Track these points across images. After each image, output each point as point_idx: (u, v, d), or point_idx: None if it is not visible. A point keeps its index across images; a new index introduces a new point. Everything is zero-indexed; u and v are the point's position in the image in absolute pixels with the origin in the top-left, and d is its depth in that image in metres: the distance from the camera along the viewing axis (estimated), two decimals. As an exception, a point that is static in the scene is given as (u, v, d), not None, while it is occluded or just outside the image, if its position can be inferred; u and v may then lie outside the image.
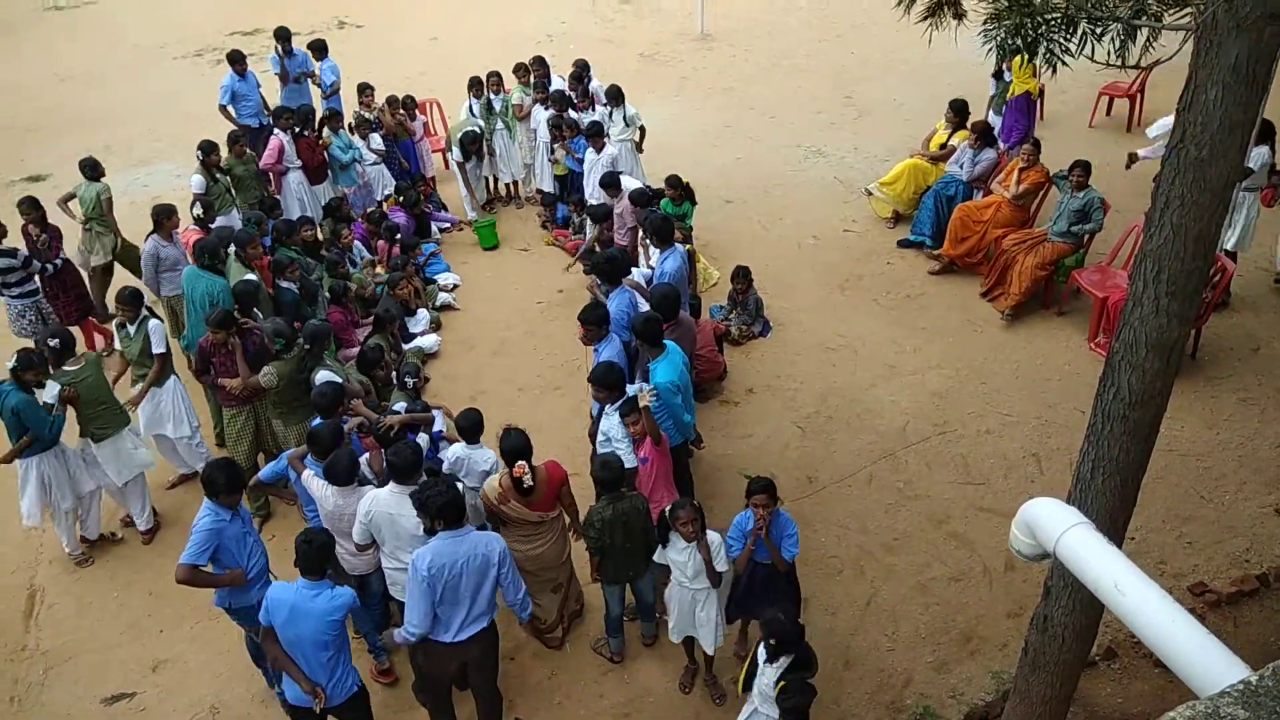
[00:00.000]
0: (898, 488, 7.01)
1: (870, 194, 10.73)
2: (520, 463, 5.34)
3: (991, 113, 10.71)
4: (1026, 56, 4.60)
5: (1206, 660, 2.47)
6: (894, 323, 8.93)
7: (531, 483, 5.35)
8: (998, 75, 10.65)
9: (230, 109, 11.17)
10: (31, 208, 8.42)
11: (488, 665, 5.28)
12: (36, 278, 8.39)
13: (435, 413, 7.40)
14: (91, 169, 9.11)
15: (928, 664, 5.79)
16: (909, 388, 8.06)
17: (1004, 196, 9.25)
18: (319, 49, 11.81)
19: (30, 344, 7.19)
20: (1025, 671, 4.97)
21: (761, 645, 4.81)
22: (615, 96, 10.50)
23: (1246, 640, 5.75)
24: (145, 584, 6.65)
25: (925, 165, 10.28)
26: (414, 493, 4.90)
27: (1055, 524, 3.05)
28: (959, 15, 5.19)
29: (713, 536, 5.29)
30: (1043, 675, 4.90)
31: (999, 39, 4.60)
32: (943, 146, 10.22)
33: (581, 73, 11.17)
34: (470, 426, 5.99)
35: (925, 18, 5.26)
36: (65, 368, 6.49)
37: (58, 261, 8.54)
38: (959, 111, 10.19)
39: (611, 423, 5.87)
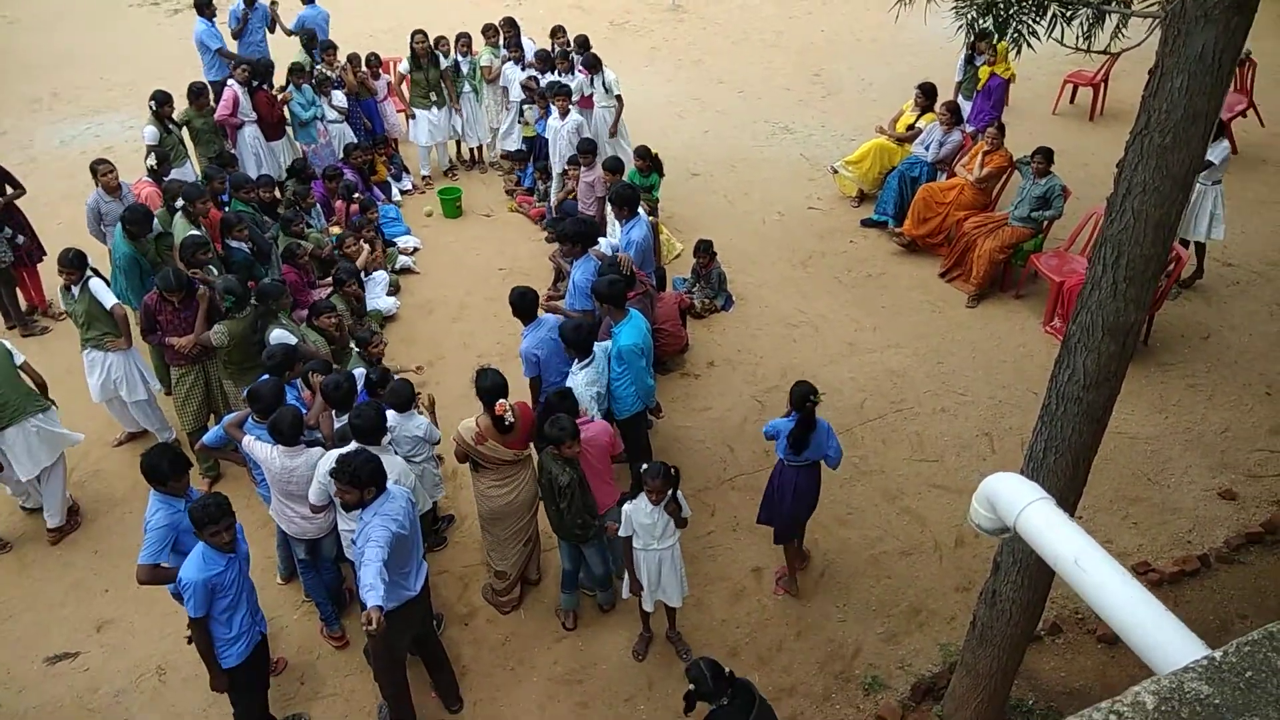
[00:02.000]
0: (853, 463, 7.08)
1: (835, 172, 10.75)
2: (501, 400, 5.34)
3: (960, 97, 10.76)
4: (1016, 49, 4.60)
5: (1165, 637, 2.51)
6: (855, 301, 8.99)
7: (514, 419, 5.36)
8: (969, 60, 10.68)
9: (224, 52, 10.91)
10: None
11: (430, 614, 5.36)
12: None
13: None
14: None
15: (877, 635, 5.88)
16: (868, 365, 8.13)
17: (967, 179, 9.33)
18: None
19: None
20: (973, 644, 5.08)
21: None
22: (593, 65, 10.37)
23: (1187, 619, 5.90)
24: (90, 543, 6.51)
25: (891, 146, 10.32)
26: (336, 470, 4.61)
27: (1017, 499, 3.08)
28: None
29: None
30: (989, 649, 5.01)
31: (970, 18, 4.61)
32: (910, 128, 10.26)
33: (560, 31, 11.00)
34: (401, 399, 5.84)
35: (894, -6, 5.24)
36: (5, 343, 6.21)
37: None
38: (928, 94, 10.22)
39: (577, 381, 5.85)
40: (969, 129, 10.09)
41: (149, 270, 7.26)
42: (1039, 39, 4.51)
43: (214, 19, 10.94)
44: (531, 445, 5.79)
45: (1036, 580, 4.79)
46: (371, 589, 4.30)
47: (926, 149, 9.85)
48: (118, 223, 7.30)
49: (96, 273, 6.95)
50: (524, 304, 6.38)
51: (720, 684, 4.24)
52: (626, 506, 5.32)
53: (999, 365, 8.13)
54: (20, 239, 8.23)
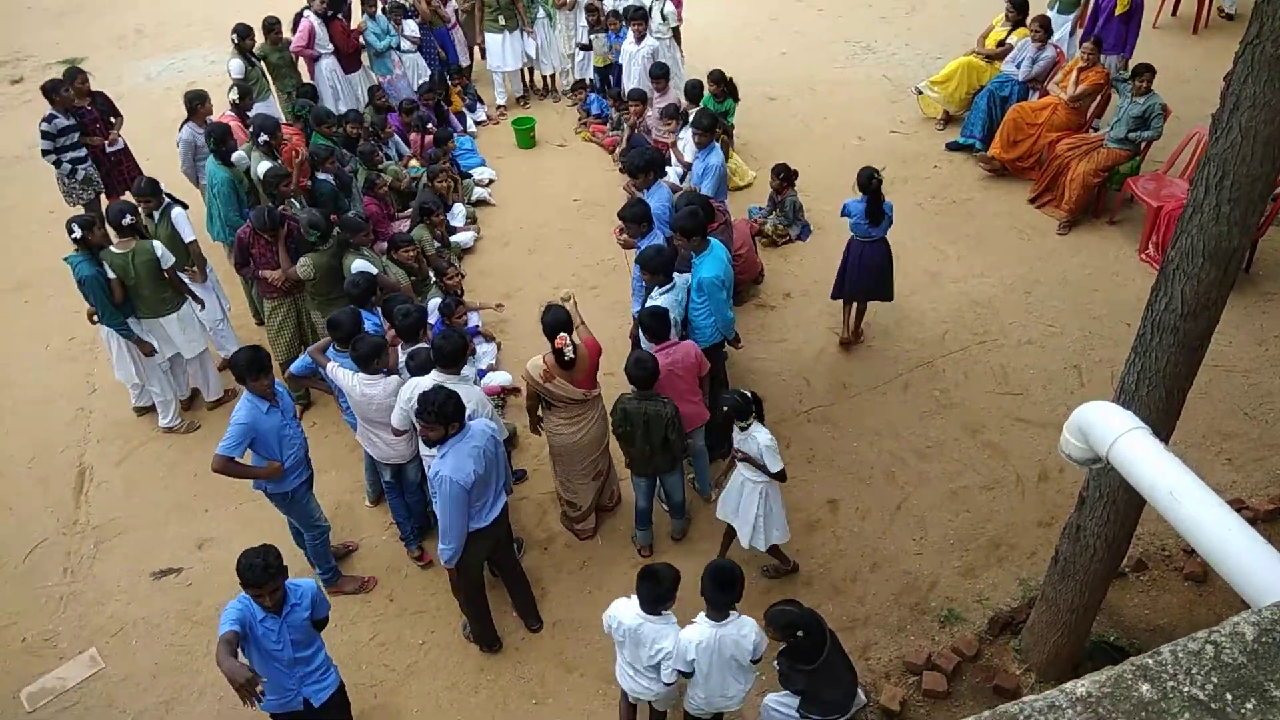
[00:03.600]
0: (934, 396, 6.95)
1: (920, 93, 10.34)
2: (562, 334, 5.37)
3: (1054, 10, 10.15)
4: None
5: (1264, 570, 2.41)
6: (938, 229, 8.72)
7: (573, 355, 5.39)
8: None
9: None
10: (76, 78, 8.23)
11: (509, 538, 5.47)
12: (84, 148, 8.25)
13: (471, 313, 7.43)
14: None
15: (955, 569, 5.84)
16: (951, 295, 7.92)
17: (1060, 98, 8.87)
18: None
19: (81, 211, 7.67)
20: (1054, 579, 5.00)
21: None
22: None
23: (1280, 557, 5.73)
24: (191, 466, 6.82)
25: (980, 64, 9.86)
26: (420, 410, 4.70)
27: (1111, 428, 2.96)
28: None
29: (763, 436, 5.23)
30: (1071, 584, 4.93)
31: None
32: (1000, 44, 9.76)
33: None
34: (452, 350, 5.86)
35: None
36: (114, 248, 6.45)
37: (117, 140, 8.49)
38: (1019, 7, 9.68)
39: (669, 300, 5.83)
40: (1113, 58, 9.50)
41: (244, 200, 7.44)
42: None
43: None
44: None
45: (1124, 515, 4.67)
46: (446, 551, 4.84)
47: (1018, 67, 9.37)
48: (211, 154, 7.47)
49: (179, 202, 7.14)
50: (647, 164, 6.68)
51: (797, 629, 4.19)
52: (764, 437, 5.23)
53: (1090, 295, 7.83)
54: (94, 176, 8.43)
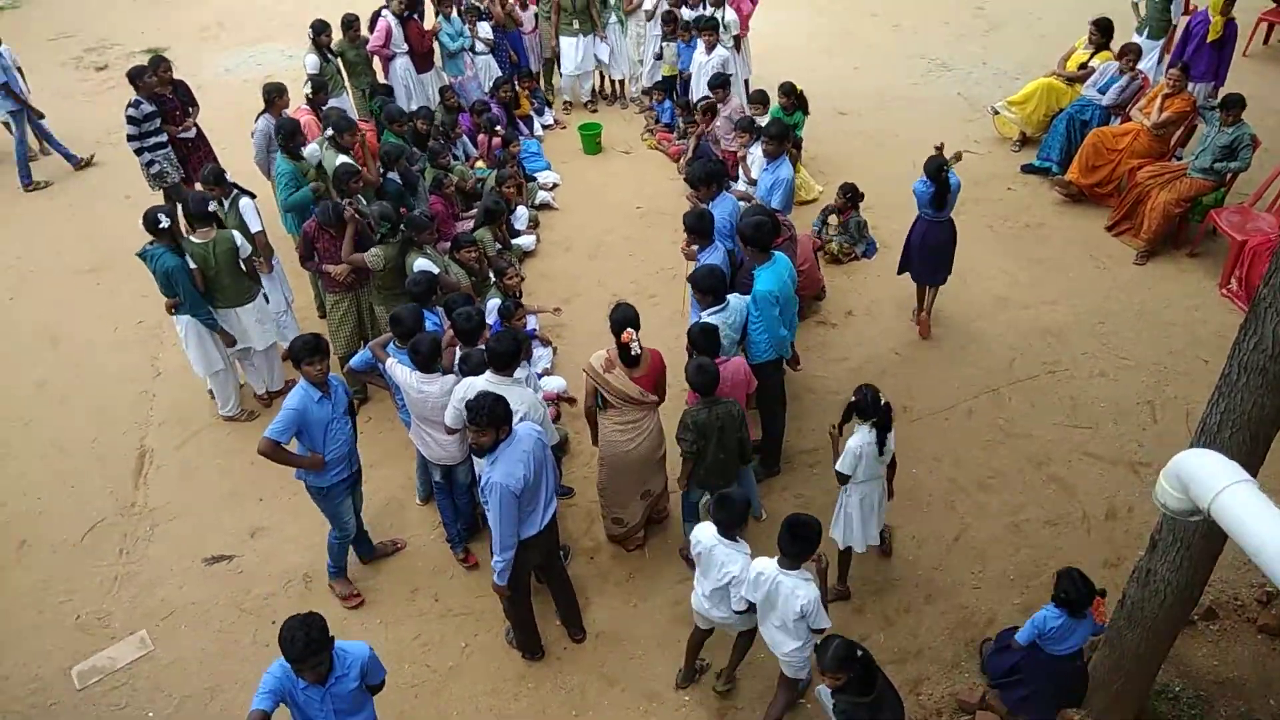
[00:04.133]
0: (999, 425, 6.75)
1: (996, 113, 10.12)
2: (628, 330, 5.33)
3: (1143, 36, 9.85)
4: None
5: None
6: (1010, 252, 8.49)
7: (639, 350, 5.34)
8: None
9: None
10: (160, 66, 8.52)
11: (557, 545, 5.41)
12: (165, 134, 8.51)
13: (530, 316, 7.41)
14: None
15: (1014, 605, 5.63)
16: (1020, 322, 7.69)
17: (1144, 124, 8.59)
18: None
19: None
20: (1120, 624, 4.80)
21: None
22: None
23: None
24: (248, 454, 6.85)
25: (1060, 86, 9.61)
26: (471, 416, 4.62)
27: (1215, 479, 2.77)
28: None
29: (853, 440, 5.22)
30: (1138, 630, 4.72)
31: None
32: (1082, 67, 9.50)
33: None
34: (506, 351, 5.81)
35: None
36: (194, 239, 6.54)
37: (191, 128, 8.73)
38: (1103, 30, 9.42)
39: (719, 320, 5.74)
40: (1201, 85, 9.22)
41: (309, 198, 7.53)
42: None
43: None
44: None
45: (1198, 562, 4.46)
46: (499, 564, 4.81)
47: (1100, 91, 9.09)
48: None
49: (247, 193, 7.25)
50: (711, 178, 6.64)
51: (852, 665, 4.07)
52: (851, 442, 5.21)
53: (1167, 328, 7.55)
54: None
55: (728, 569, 4.63)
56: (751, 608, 4.67)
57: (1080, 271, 8.24)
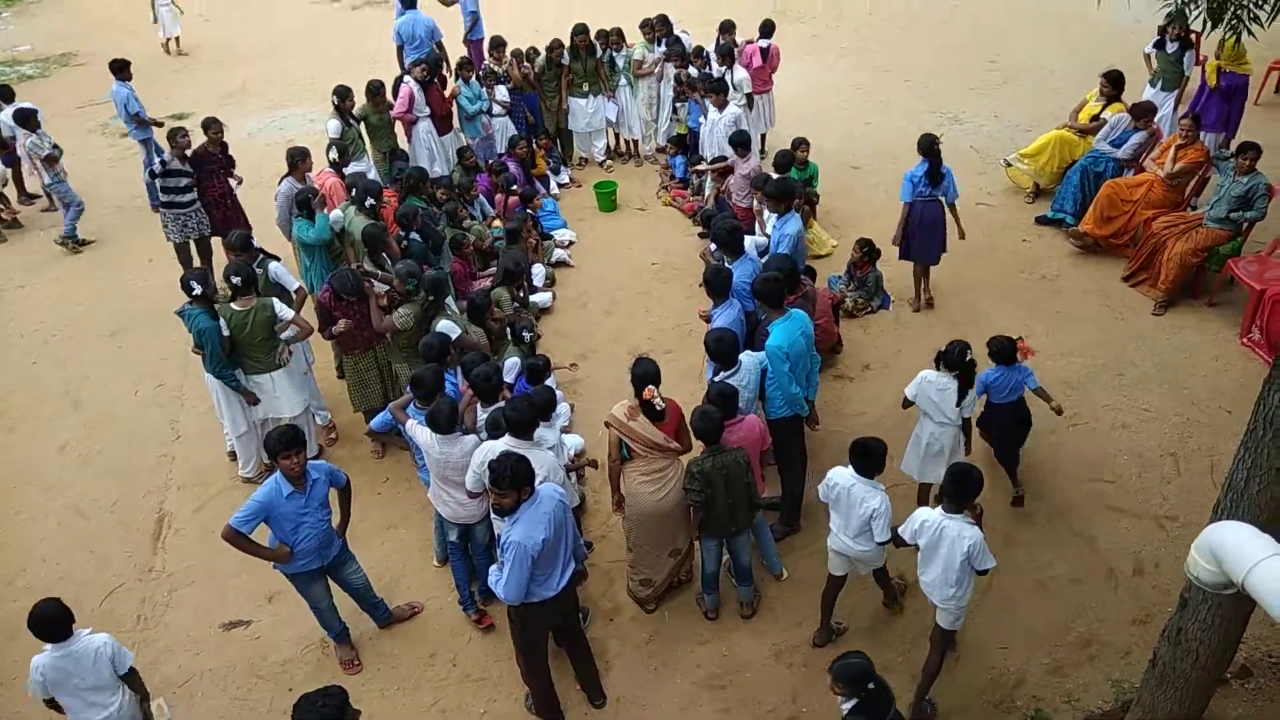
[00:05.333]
0: (1021, 480, 6.66)
1: (1009, 165, 10.17)
2: (650, 386, 5.34)
3: (1156, 88, 9.91)
4: (1235, 37, 4.15)
5: None
6: (1026, 304, 8.47)
7: (663, 406, 5.37)
8: (1160, 45, 9.84)
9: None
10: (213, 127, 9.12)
11: (575, 607, 5.36)
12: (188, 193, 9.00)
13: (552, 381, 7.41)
14: None
15: (1043, 665, 5.51)
16: (1038, 374, 7.55)
17: (1158, 175, 8.60)
18: None
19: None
20: (1151, 684, 4.69)
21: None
22: (728, 56, 10.23)
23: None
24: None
25: (1072, 138, 9.66)
26: (493, 479, 4.64)
27: (1248, 553, 2.71)
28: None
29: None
30: (1170, 690, 4.60)
31: (1180, 2, 4.19)
32: (1094, 119, 9.55)
33: (729, 26, 10.88)
34: (543, 405, 5.81)
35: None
36: (234, 306, 6.61)
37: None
38: (1114, 83, 9.48)
39: (734, 383, 5.75)
40: (1213, 135, 9.31)
41: (327, 260, 7.64)
42: (1262, 26, 4.05)
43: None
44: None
45: (1230, 620, 4.36)
46: (502, 588, 4.73)
47: (1114, 145, 9.13)
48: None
49: (271, 256, 7.35)
50: (733, 238, 6.85)
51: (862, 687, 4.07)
52: (924, 372, 5.91)
53: (1188, 379, 7.48)
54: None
55: (868, 504, 5.09)
56: (893, 541, 5.12)
57: (1098, 322, 8.20)
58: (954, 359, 5.79)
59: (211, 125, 9.12)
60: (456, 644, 5.95)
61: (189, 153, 8.94)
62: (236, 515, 5.10)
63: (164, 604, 6.31)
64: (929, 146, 7.87)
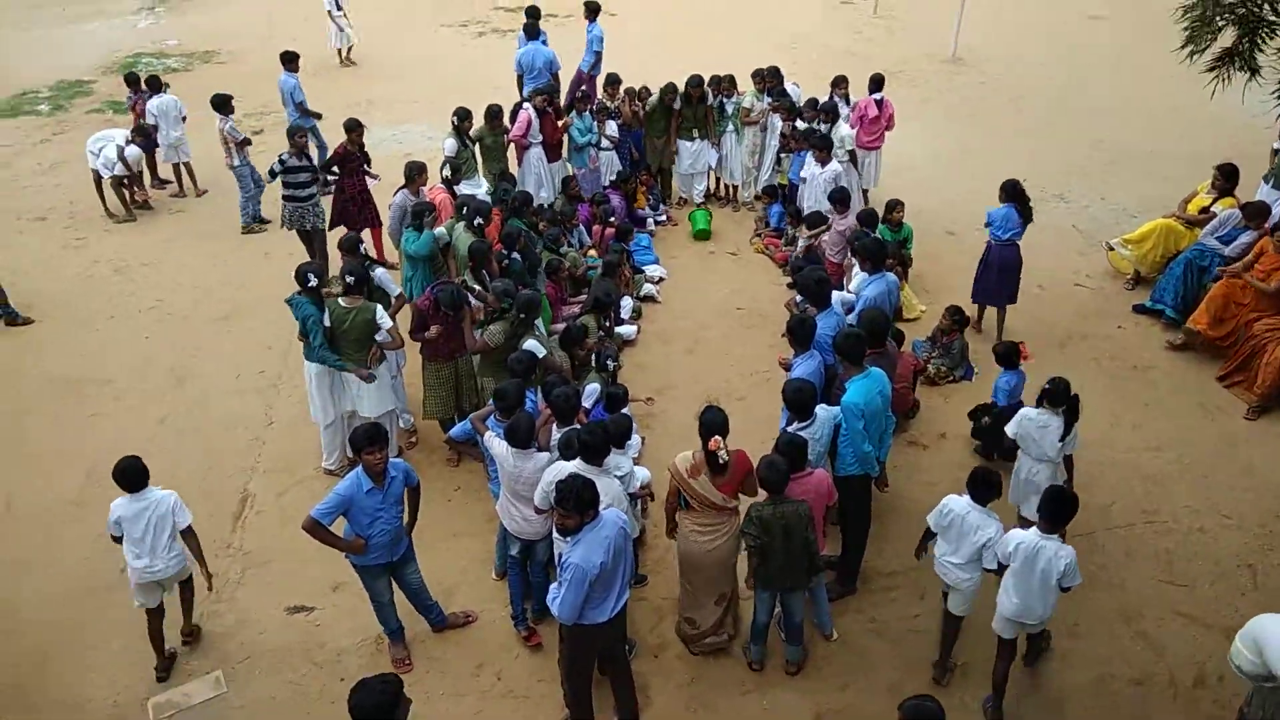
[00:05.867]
0: (1090, 572, 6.50)
1: (1111, 249, 10.00)
2: (716, 437, 5.40)
3: (1268, 185, 9.65)
4: None
5: None
6: (1114, 392, 8.30)
7: (726, 458, 5.40)
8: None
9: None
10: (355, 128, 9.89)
11: (623, 636, 5.47)
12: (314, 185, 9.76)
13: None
14: None
15: (1091, 766, 5.39)
16: (1120, 465, 7.48)
17: (1256, 286, 8.26)
18: (592, 10, 12.92)
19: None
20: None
21: None
22: (832, 112, 10.36)
23: None
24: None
25: (1179, 229, 9.45)
26: (559, 498, 4.82)
27: None
28: (1252, 69, 4.74)
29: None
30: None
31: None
32: (1204, 211, 9.34)
33: (841, 82, 11.10)
34: (618, 433, 6.03)
35: (1211, 67, 4.85)
36: (341, 302, 6.95)
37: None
38: (1228, 176, 9.25)
39: (807, 435, 5.81)
40: None
41: (427, 273, 7.99)
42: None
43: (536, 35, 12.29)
44: (739, 501, 5.75)
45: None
46: (557, 605, 4.85)
47: (1223, 242, 8.88)
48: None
49: (380, 262, 7.74)
50: (820, 289, 7.01)
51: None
52: (1025, 409, 6.20)
53: (1276, 490, 7.23)
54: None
55: (984, 532, 5.32)
56: (997, 570, 5.32)
57: (1188, 420, 7.99)
58: (1059, 396, 6.00)
59: (355, 128, 9.83)
60: (504, 658, 6.10)
61: (334, 152, 9.82)
62: (319, 507, 5.37)
63: (236, 581, 6.63)
64: (1014, 188, 8.50)
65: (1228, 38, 4.77)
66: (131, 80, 12.15)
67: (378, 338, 7.10)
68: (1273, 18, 4.53)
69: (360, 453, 5.43)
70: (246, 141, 11.11)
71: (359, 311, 6.94)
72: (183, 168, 12.29)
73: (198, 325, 9.58)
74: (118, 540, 5.67)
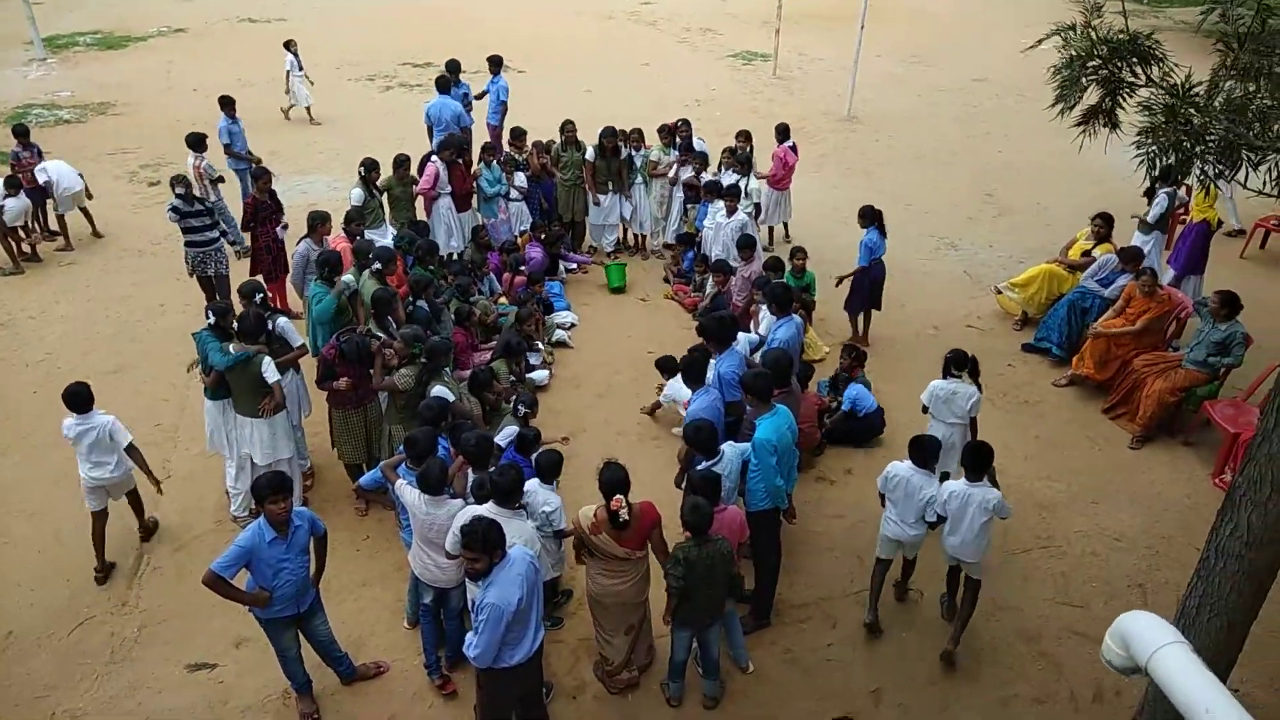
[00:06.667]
0: (991, 597, 6.76)
1: (999, 292, 10.55)
2: (618, 496, 5.41)
3: (1137, 234, 10.37)
4: (1206, 186, 4.52)
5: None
6: (1007, 426, 8.69)
7: (627, 517, 5.41)
8: (1149, 194, 10.35)
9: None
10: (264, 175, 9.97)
11: (540, 679, 5.40)
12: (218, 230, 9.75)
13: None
14: None
15: (997, 783, 5.54)
16: (1015, 495, 7.79)
17: (1126, 333, 8.83)
18: (495, 64, 13.25)
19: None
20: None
21: None
22: (745, 164, 10.77)
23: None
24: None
25: (1061, 273, 10.05)
26: (464, 540, 4.78)
27: (1151, 639, 2.96)
28: (1113, 125, 5.15)
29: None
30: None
31: (1152, 153, 4.54)
32: (1085, 254, 9.97)
33: (744, 136, 11.56)
34: (549, 466, 6.10)
35: (1079, 123, 5.25)
36: (231, 348, 6.81)
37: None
38: (1106, 224, 9.94)
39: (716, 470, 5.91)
40: (1193, 278, 10.02)
41: (337, 322, 7.91)
42: (1226, 181, 4.40)
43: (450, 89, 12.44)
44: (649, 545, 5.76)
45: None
46: (473, 650, 4.79)
47: (1100, 284, 9.48)
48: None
49: (281, 311, 7.62)
50: (722, 330, 7.13)
51: None
52: (933, 382, 7.03)
53: (1160, 514, 7.65)
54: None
55: (925, 491, 6.06)
56: (938, 522, 6.10)
57: (1076, 451, 8.42)
58: (961, 360, 6.94)
59: (261, 175, 9.83)
60: (418, 708, 5.95)
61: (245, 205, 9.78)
62: (219, 560, 5.18)
63: (133, 639, 6.33)
64: (874, 214, 9.59)
65: (1094, 97, 5.17)
66: (19, 132, 11.78)
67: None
68: (1131, 79, 4.93)
69: (263, 502, 5.27)
70: (220, 179, 11.15)
71: (250, 362, 6.79)
72: (79, 212, 11.93)
73: (87, 378, 9.10)
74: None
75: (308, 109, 16.77)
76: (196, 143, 11.02)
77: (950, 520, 6.01)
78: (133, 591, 6.74)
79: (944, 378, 7.07)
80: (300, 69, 16.44)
